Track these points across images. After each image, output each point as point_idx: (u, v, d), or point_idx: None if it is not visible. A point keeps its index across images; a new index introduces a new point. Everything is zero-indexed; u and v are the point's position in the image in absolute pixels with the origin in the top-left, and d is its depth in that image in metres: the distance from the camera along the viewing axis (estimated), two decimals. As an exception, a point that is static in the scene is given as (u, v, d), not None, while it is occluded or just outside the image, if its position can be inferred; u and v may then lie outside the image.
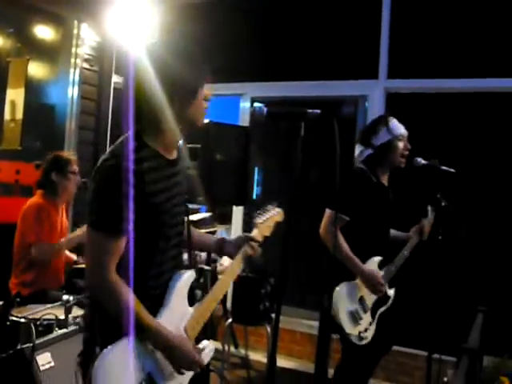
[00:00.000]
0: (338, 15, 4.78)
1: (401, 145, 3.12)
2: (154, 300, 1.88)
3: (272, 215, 2.35)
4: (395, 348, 3.97)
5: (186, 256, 2.16)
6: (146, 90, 1.83)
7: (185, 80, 1.85)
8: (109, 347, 1.75)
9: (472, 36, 4.26)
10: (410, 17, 4.51)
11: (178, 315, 1.93)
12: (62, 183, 3.72)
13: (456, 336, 3.45)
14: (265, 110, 1.95)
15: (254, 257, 2.18)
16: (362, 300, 3.03)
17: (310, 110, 1.90)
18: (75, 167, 3.80)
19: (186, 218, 2.09)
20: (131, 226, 1.74)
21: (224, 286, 2.11)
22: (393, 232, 3.32)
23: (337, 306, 2.95)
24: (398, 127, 3.14)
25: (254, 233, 2.22)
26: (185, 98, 1.87)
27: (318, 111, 1.92)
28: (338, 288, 2.98)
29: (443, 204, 3.25)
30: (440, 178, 3.19)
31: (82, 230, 3.68)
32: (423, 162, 3.19)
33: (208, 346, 2.05)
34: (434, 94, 4.46)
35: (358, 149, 3.20)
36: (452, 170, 3.20)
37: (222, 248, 2.23)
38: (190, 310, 1.99)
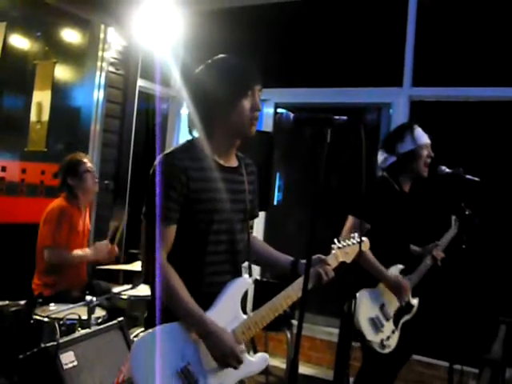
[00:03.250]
0: (364, 22, 4.78)
1: (424, 153, 3.10)
2: (208, 298, 1.95)
3: (354, 243, 2.28)
4: (415, 357, 3.94)
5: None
6: (196, 99, 1.99)
7: (224, 89, 1.95)
8: (151, 330, 1.84)
9: (498, 44, 4.23)
10: (436, 24, 4.49)
11: (227, 317, 1.96)
12: (78, 185, 3.75)
13: (478, 347, 3.42)
14: (291, 115, 1.96)
15: (321, 279, 2.11)
16: (383, 307, 3.02)
17: (337, 117, 1.91)
18: (88, 165, 3.82)
19: (247, 229, 2.13)
20: (176, 217, 1.91)
21: (286, 300, 2.06)
22: (412, 247, 3.30)
23: (357, 313, 2.94)
24: (423, 136, 3.12)
25: (330, 256, 2.18)
26: (226, 107, 1.96)
27: (345, 117, 1.92)
28: (358, 294, 2.97)
29: (467, 213, 3.23)
30: (464, 186, 3.17)
31: (95, 247, 3.73)
32: (447, 170, 3.17)
33: (261, 357, 2.07)
34: (458, 102, 4.43)
35: (381, 155, 3.19)
36: (476, 179, 3.17)
37: (296, 268, 2.17)
38: (243, 315, 2.02)
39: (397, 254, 3.10)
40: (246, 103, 1.96)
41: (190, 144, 2.01)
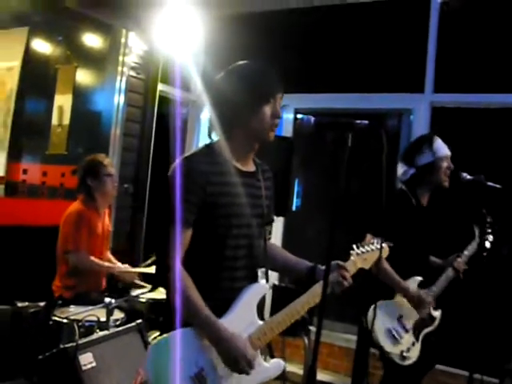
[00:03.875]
0: (385, 28, 4.76)
1: (444, 165, 3.08)
2: (224, 303, 1.96)
3: (374, 249, 2.27)
4: (435, 366, 3.90)
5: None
6: (217, 101, 2.01)
7: (247, 94, 1.96)
8: (166, 334, 1.85)
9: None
10: (458, 30, 4.45)
11: (243, 323, 1.96)
12: (97, 188, 3.74)
13: (499, 357, 3.37)
14: (312, 119, 1.97)
15: (340, 285, 2.10)
16: (401, 319, 2.99)
17: (358, 121, 1.90)
18: (110, 169, 3.81)
19: (264, 235, 2.13)
20: (192, 219, 1.90)
21: (303, 306, 2.05)
22: (432, 259, 3.27)
23: (374, 325, 2.92)
24: (443, 147, 3.10)
25: (348, 262, 2.17)
26: (247, 112, 1.97)
27: (366, 122, 1.91)
28: (373, 307, 2.95)
29: (488, 220, 3.19)
30: (486, 193, 3.14)
31: (127, 270, 3.75)
32: (469, 177, 3.14)
33: (277, 363, 2.06)
34: (480, 108, 4.39)
35: (401, 168, 3.17)
36: (498, 186, 3.14)
37: (314, 274, 2.16)
38: (259, 321, 2.01)
39: (415, 266, 3.07)
40: (267, 110, 1.98)
41: (209, 148, 2.02)
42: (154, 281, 3.61)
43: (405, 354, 2.93)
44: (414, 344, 2.99)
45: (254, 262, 2.08)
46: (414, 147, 3.18)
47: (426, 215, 3.12)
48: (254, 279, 2.07)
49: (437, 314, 3.13)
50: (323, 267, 2.10)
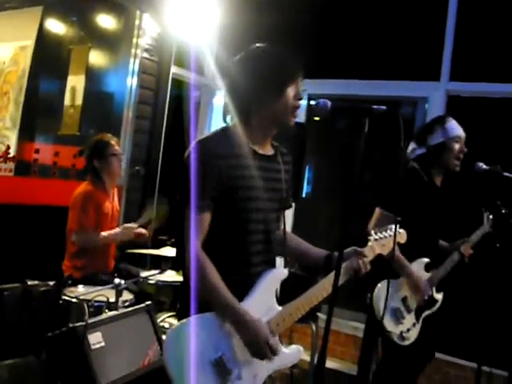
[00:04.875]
0: (402, 14, 4.69)
1: (456, 147, 3.04)
2: (244, 288, 1.94)
3: (391, 235, 2.23)
4: (441, 357, 3.89)
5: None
6: (236, 84, 1.96)
7: (271, 76, 1.93)
8: (184, 320, 1.83)
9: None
10: (476, 19, 4.39)
11: (262, 308, 1.94)
12: (104, 168, 3.74)
13: (508, 349, 3.35)
14: (329, 103, 1.93)
15: (358, 271, 2.08)
16: (405, 300, 2.99)
17: (376, 106, 1.88)
18: (116, 148, 3.80)
19: (281, 220, 2.12)
20: (210, 203, 1.87)
21: (321, 292, 2.04)
22: (440, 242, 3.25)
23: (378, 303, 2.92)
24: (456, 128, 3.06)
25: (366, 248, 2.15)
26: (271, 95, 1.93)
27: (384, 107, 1.88)
28: (379, 285, 2.94)
29: (503, 211, 3.16)
30: (501, 184, 3.10)
31: (123, 227, 3.73)
32: (485, 167, 3.10)
33: (296, 349, 2.05)
34: (496, 98, 4.33)
35: (411, 146, 3.14)
36: (515, 177, 3.10)
37: (331, 262, 2.12)
38: (278, 307, 2.00)
39: (424, 247, 3.05)
40: (290, 91, 1.95)
41: (225, 131, 1.98)
42: (176, 265, 3.60)
43: (404, 334, 2.93)
44: (414, 325, 2.99)
45: (271, 247, 2.06)
46: (427, 127, 3.16)
47: (439, 194, 3.09)
48: (272, 264, 2.06)
49: (439, 296, 3.11)
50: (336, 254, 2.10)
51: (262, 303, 1.95)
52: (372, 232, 2.21)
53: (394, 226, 2.26)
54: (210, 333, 1.85)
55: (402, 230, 2.31)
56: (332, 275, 2.02)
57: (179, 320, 1.90)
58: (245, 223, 1.93)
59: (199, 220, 1.87)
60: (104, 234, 3.66)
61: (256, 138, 2.00)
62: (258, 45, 2.03)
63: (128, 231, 3.73)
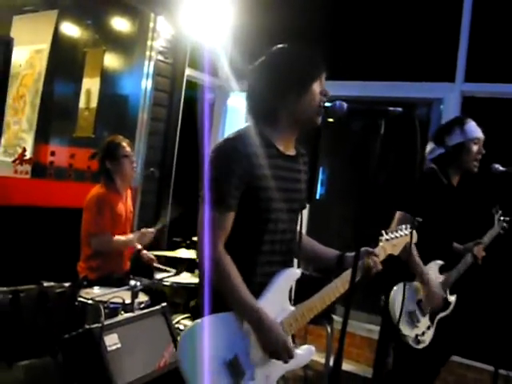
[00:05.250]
0: (417, 15, 4.68)
1: (475, 148, 3.02)
2: (258, 287, 1.93)
3: (402, 235, 2.25)
4: (457, 359, 3.86)
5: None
6: (262, 82, 1.96)
7: (295, 74, 1.93)
8: (199, 320, 1.83)
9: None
10: (490, 20, 4.36)
11: (276, 308, 1.95)
12: (116, 169, 3.73)
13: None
14: (345, 105, 1.93)
15: (371, 271, 2.08)
16: (420, 302, 2.97)
17: (392, 108, 1.87)
18: (127, 150, 3.79)
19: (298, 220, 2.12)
20: (236, 203, 1.87)
21: (334, 292, 2.04)
22: (454, 244, 3.23)
23: (394, 307, 2.90)
24: (475, 130, 3.04)
25: (377, 249, 2.15)
26: (297, 92, 1.93)
27: (400, 109, 1.88)
28: (395, 288, 2.93)
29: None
30: (517, 185, 3.08)
31: (140, 233, 3.73)
32: (501, 168, 3.08)
33: (308, 349, 2.05)
34: (512, 99, 4.31)
35: (429, 146, 3.13)
36: (531, 178, 3.08)
37: (343, 262, 2.13)
38: (291, 307, 2.00)
39: (440, 249, 3.04)
40: (317, 87, 1.95)
41: (250, 130, 1.96)
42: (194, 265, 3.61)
43: (419, 337, 2.92)
44: (429, 328, 2.98)
45: (290, 248, 2.07)
46: (446, 127, 3.14)
47: (456, 195, 3.08)
48: (290, 265, 2.06)
49: (452, 298, 3.10)
50: (351, 254, 2.09)
51: (275, 303, 1.95)
52: (383, 232, 2.21)
53: (404, 226, 2.27)
54: (224, 333, 1.85)
55: (412, 231, 2.30)
56: (345, 275, 2.04)
57: (194, 319, 1.90)
58: (266, 223, 1.93)
59: (223, 220, 1.87)
60: (121, 238, 3.68)
61: (281, 138, 2.00)
62: (279, 46, 2.03)
63: (144, 236, 3.74)
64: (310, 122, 1.99)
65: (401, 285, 2.92)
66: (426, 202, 2.89)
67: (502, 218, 3.25)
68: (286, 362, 1.90)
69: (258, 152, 1.90)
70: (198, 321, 1.85)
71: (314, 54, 2.00)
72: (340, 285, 2.03)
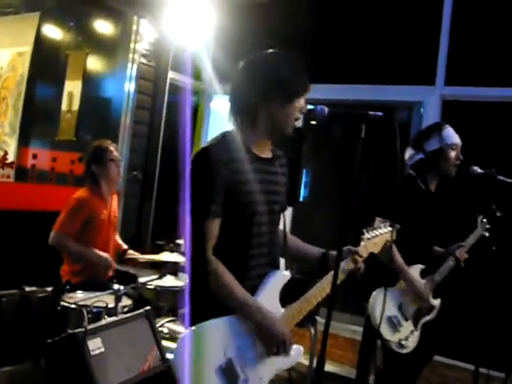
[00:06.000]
0: (397, 19, 4.72)
1: (453, 154, 3.07)
2: (249, 290, 1.96)
3: (382, 233, 2.29)
4: (438, 359, 3.90)
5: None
6: (249, 85, 1.98)
7: (287, 84, 1.95)
8: (192, 328, 1.86)
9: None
10: (470, 24, 4.42)
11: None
12: (102, 173, 3.72)
13: (505, 351, 3.37)
14: (326, 109, 1.96)
15: (354, 271, 2.12)
16: (401, 307, 3.00)
17: (372, 112, 1.90)
18: (114, 154, 3.78)
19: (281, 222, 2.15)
20: (220, 210, 1.89)
21: (320, 293, 2.07)
22: (435, 248, 3.27)
23: (374, 312, 2.93)
24: (453, 136, 3.09)
25: (359, 248, 2.19)
26: (281, 102, 1.97)
27: (380, 113, 1.91)
28: (374, 293, 2.96)
29: (498, 214, 3.18)
30: (496, 188, 3.12)
31: (106, 259, 3.64)
32: (480, 170, 3.13)
33: (297, 349, 2.07)
34: (492, 102, 4.36)
35: (408, 152, 3.17)
36: (509, 180, 3.12)
37: (327, 260, 2.17)
38: (281, 309, 2.03)
39: (419, 253, 3.08)
40: (298, 103, 1.99)
41: (227, 136, 2.00)
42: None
43: (403, 342, 2.94)
44: (412, 332, 3.00)
45: (275, 249, 2.10)
46: (424, 133, 3.19)
47: (434, 201, 3.12)
48: (276, 266, 2.09)
49: (436, 302, 3.13)
50: (335, 252, 2.13)
51: (267, 305, 1.97)
52: (364, 231, 2.24)
53: (383, 225, 2.32)
54: (216, 339, 1.88)
55: (390, 228, 2.35)
56: (330, 275, 2.06)
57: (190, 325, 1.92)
58: (250, 226, 1.96)
59: (210, 227, 1.89)
60: (83, 249, 3.61)
61: (258, 142, 2.03)
62: (268, 51, 2.06)
63: (108, 263, 3.67)
64: (284, 132, 2.03)
65: (381, 290, 2.95)
66: (404, 208, 2.93)
67: (484, 220, 3.29)
68: (286, 353, 1.94)
69: (236, 157, 1.93)
70: (193, 328, 1.86)
71: (302, 72, 2.01)
72: (326, 285, 2.06)
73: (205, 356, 1.83)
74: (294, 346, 2.05)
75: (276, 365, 1.99)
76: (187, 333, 1.86)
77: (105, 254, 3.64)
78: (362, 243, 2.21)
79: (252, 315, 1.90)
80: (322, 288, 2.07)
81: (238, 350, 1.90)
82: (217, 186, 1.87)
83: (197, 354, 1.82)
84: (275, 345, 1.91)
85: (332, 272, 2.04)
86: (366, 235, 2.23)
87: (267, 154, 2.09)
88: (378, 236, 2.27)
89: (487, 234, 3.23)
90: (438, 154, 3.06)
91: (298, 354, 2.07)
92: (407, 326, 2.99)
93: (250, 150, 2.00)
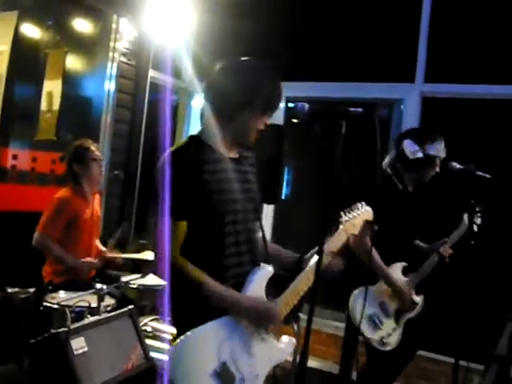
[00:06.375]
0: (377, 17, 4.76)
1: (432, 166, 3.14)
2: (236, 289, 1.98)
3: (360, 213, 2.31)
4: (420, 353, 3.94)
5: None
6: (224, 88, 2.01)
7: (265, 96, 2.00)
8: (182, 337, 1.86)
9: (512, 42, 4.22)
10: (450, 20, 4.47)
11: None
12: (84, 173, 3.72)
13: (484, 344, 3.42)
14: (306, 106, 1.98)
15: (331, 269, 2.14)
16: (382, 305, 3.02)
17: (352, 109, 1.92)
18: (96, 154, 3.79)
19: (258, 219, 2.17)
20: (187, 210, 1.91)
21: (306, 282, 2.09)
22: (418, 243, 3.30)
23: (354, 311, 2.96)
24: (437, 149, 3.13)
25: (339, 232, 2.21)
26: (256, 111, 2.01)
27: (360, 110, 1.93)
28: (355, 292, 2.98)
29: (477, 209, 3.23)
30: (475, 183, 3.17)
31: (85, 265, 3.65)
32: (459, 166, 3.17)
33: (289, 341, 2.10)
34: (471, 99, 4.41)
35: (390, 154, 3.20)
36: (488, 176, 3.17)
37: (301, 263, 2.19)
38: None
39: (399, 251, 3.11)
40: (267, 117, 2.05)
41: (195, 138, 2.04)
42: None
43: (384, 339, 2.96)
44: (394, 329, 3.02)
45: (255, 247, 2.11)
46: (428, 134, 3.22)
47: (412, 200, 3.16)
48: (257, 263, 2.10)
49: (418, 299, 3.16)
50: (309, 256, 2.17)
51: None
52: (342, 213, 2.27)
53: (360, 205, 2.35)
54: (207, 345, 1.88)
55: (368, 208, 2.38)
56: (312, 265, 2.09)
57: (177, 329, 1.94)
58: (223, 225, 1.97)
59: (175, 227, 1.91)
60: (63, 254, 3.61)
61: (226, 143, 2.06)
62: (244, 59, 2.08)
63: (89, 266, 3.69)
64: (248, 140, 2.08)
65: (361, 288, 2.97)
66: (382, 208, 2.95)
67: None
68: (274, 324, 1.98)
69: (206, 158, 1.97)
70: (188, 334, 1.86)
71: (275, 88, 2.05)
72: (311, 274, 2.07)
73: (198, 364, 1.84)
74: (285, 339, 2.08)
75: (270, 360, 2.00)
76: (180, 340, 1.86)
77: (83, 260, 3.64)
78: (341, 226, 2.24)
79: (232, 304, 1.93)
80: (307, 278, 2.09)
81: (231, 351, 1.91)
82: (186, 187, 1.90)
83: (190, 364, 1.82)
84: (267, 321, 1.95)
85: (313, 262, 2.09)
86: (344, 217, 2.26)
87: (234, 154, 2.12)
88: (356, 217, 2.30)
89: (476, 229, 3.27)
90: (419, 162, 3.10)
91: (290, 346, 2.11)
92: (389, 324, 3.01)
93: (217, 151, 2.03)
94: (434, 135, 3.17)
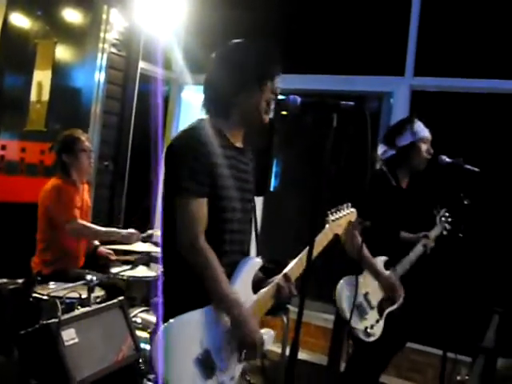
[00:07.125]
0: (367, 10, 4.77)
1: (424, 148, 3.12)
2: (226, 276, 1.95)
3: (345, 214, 2.37)
4: (408, 345, 3.97)
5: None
6: (219, 75, 2.00)
7: (258, 67, 1.98)
8: (171, 320, 1.85)
9: (501, 36, 4.23)
10: (439, 14, 4.48)
11: (242, 298, 1.97)
12: (73, 163, 3.69)
13: (471, 336, 3.46)
14: (298, 99, 1.98)
15: (283, 295, 2.10)
16: (367, 296, 3.04)
17: (344, 102, 1.93)
18: (86, 144, 3.76)
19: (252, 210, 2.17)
20: (207, 190, 1.89)
21: (298, 269, 2.09)
22: (403, 234, 3.32)
23: (340, 301, 2.97)
24: (423, 130, 3.14)
25: (324, 231, 2.24)
26: (252, 88, 1.98)
27: (352, 103, 1.94)
28: (341, 281, 3.00)
29: (465, 202, 3.25)
30: (464, 176, 3.19)
31: (126, 232, 3.67)
32: (448, 160, 3.19)
33: (268, 333, 2.09)
34: (460, 93, 4.44)
35: (381, 148, 3.21)
36: (476, 169, 3.19)
37: (260, 287, 2.12)
38: (254, 296, 2.04)
39: (386, 244, 3.12)
40: (270, 86, 2.01)
41: (205, 122, 2.01)
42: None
43: (369, 330, 2.98)
44: (377, 321, 3.04)
45: (247, 237, 2.13)
46: (395, 128, 3.23)
47: (404, 197, 3.17)
48: (246, 253, 2.11)
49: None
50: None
51: (241, 293, 1.98)
52: (329, 213, 2.30)
53: (346, 205, 2.40)
54: (192, 331, 1.88)
55: (353, 209, 2.43)
56: (299, 257, 2.10)
57: (166, 316, 1.91)
58: (224, 211, 1.97)
59: (198, 206, 1.89)
60: (105, 229, 3.67)
61: (231, 131, 2.05)
62: (238, 40, 2.08)
63: (132, 236, 3.68)
64: (259, 119, 2.05)
65: (346, 279, 2.99)
66: (375, 204, 2.96)
67: (443, 219, 3.35)
68: (256, 356, 1.97)
69: (214, 142, 1.95)
70: (171, 321, 1.85)
71: (273, 53, 2.05)
72: (299, 265, 2.08)
73: (181, 350, 1.84)
74: (264, 331, 2.08)
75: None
76: (162, 328, 1.86)
77: (131, 231, 3.69)
78: (327, 225, 2.26)
79: (228, 309, 1.90)
80: (301, 264, 2.08)
81: (214, 339, 1.91)
82: (202, 166, 1.88)
83: (173, 349, 1.82)
84: (249, 346, 1.92)
85: (301, 255, 2.10)
86: (331, 217, 2.30)
87: (240, 144, 2.12)
88: (342, 217, 2.35)
89: (445, 233, 3.31)
90: (410, 148, 3.11)
91: (270, 338, 2.10)
92: (372, 315, 3.03)
93: (226, 138, 2.03)
94: (400, 126, 3.18)
